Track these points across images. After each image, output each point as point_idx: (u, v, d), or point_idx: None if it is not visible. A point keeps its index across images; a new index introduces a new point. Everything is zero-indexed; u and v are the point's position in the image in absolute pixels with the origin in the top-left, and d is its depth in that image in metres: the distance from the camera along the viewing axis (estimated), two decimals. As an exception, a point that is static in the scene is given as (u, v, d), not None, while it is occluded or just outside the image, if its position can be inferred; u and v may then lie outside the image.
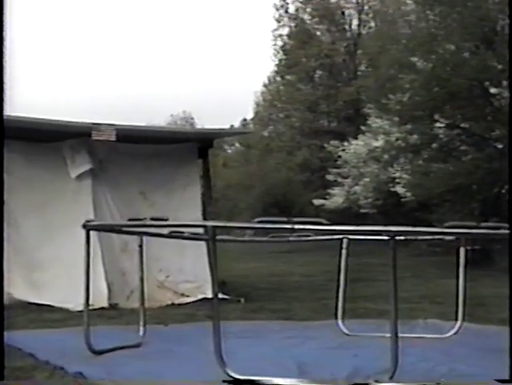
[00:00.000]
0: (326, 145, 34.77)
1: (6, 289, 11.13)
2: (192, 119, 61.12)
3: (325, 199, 32.57)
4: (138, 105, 61.07)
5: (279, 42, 42.04)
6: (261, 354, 6.71)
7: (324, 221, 5.42)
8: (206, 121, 50.28)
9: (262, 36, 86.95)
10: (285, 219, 5.29)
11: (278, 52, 42.23)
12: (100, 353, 6.57)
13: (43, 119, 11.44)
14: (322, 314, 9.89)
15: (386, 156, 27.46)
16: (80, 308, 7.43)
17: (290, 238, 8.52)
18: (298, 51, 39.94)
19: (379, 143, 27.84)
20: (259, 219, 5.34)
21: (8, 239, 11.51)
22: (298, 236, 7.94)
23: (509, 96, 16.03)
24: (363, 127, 30.18)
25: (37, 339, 7.50)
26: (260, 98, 48.94)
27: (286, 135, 41.54)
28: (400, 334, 5.27)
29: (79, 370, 5.69)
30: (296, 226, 5.27)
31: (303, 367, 5.93)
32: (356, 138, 30.77)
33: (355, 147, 30.43)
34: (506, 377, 4.72)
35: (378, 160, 28.95)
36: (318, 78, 41.70)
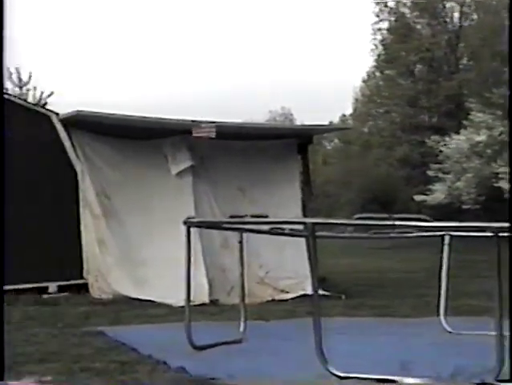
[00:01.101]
0: (426, 140, 34.29)
1: (111, 285, 11.45)
2: (291, 115, 61.09)
3: (426, 195, 32.15)
4: (237, 101, 61.43)
5: (378, 37, 41.66)
6: (362, 351, 6.67)
7: (425, 217, 5.36)
8: (305, 117, 50.14)
9: (361, 31, 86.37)
10: (386, 215, 5.25)
11: (377, 47, 41.86)
12: (201, 348, 6.64)
13: (145, 117, 11.60)
14: (423, 310, 9.77)
15: (489, 151, 26.95)
16: (182, 304, 7.51)
17: (392, 234, 8.43)
18: (398, 45, 39.50)
19: (481, 137, 27.36)
20: (359, 215, 5.32)
21: (113, 236, 11.85)
22: (400, 232, 7.85)
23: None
24: (465, 122, 29.66)
25: (139, 334, 7.64)
26: (359, 93, 48.63)
27: (386, 130, 41.17)
28: (504, 333, 5.16)
29: (181, 364, 5.77)
30: (397, 222, 5.22)
31: (406, 365, 5.85)
32: (458, 133, 30.26)
33: (457, 142, 29.93)
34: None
35: (481, 155, 28.43)
36: (419, 72, 41.12)
